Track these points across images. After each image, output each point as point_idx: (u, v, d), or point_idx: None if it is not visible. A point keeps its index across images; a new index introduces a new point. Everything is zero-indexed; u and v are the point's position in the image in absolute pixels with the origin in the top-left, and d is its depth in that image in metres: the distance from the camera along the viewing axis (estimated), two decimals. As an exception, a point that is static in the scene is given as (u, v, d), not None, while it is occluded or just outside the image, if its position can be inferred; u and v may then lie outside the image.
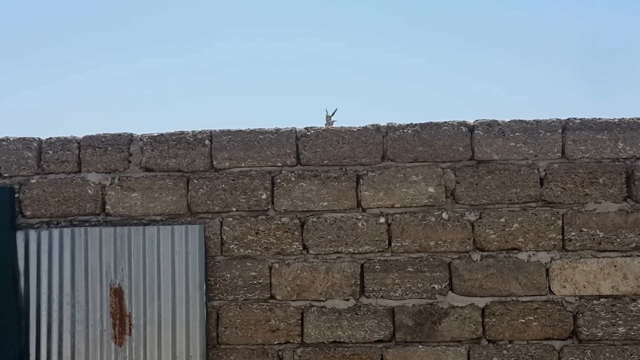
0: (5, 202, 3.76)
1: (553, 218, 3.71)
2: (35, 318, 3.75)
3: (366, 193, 3.79)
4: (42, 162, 3.88)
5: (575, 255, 3.70)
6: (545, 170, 3.74)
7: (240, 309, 3.79)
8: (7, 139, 3.90)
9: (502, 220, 3.73)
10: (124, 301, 3.76)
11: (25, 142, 3.89)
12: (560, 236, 3.71)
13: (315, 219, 3.79)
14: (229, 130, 3.85)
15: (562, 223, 3.71)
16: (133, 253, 3.77)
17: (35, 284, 3.76)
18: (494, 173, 3.74)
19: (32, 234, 3.78)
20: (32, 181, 3.86)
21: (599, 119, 3.74)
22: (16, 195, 3.84)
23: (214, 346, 3.78)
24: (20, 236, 3.78)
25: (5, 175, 3.87)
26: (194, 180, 3.83)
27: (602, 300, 3.68)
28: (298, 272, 3.79)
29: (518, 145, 3.74)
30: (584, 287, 3.69)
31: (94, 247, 3.77)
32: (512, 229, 3.72)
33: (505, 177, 3.74)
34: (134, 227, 3.78)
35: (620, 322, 3.66)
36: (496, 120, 3.76)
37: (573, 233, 3.70)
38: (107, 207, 3.85)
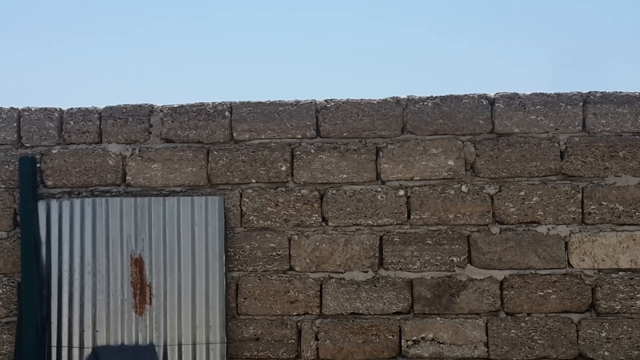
0: (28, 172, 3.79)
1: (573, 191, 3.71)
2: (57, 287, 3.78)
3: (385, 166, 3.79)
4: (63, 133, 3.90)
5: (595, 228, 3.70)
6: (565, 143, 3.73)
7: (259, 280, 3.82)
8: (28, 109, 3.91)
9: (522, 193, 3.73)
10: (145, 271, 3.78)
11: (47, 112, 3.91)
12: (580, 209, 3.71)
13: (334, 191, 3.81)
14: (248, 102, 3.86)
15: (582, 196, 3.71)
16: (153, 224, 3.79)
17: (56, 253, 3.79)
18: (514, 146, 3.74)
19: (54, 204, 3.81)
20: (54, 151, 3.88)
21: (620, 92, 3.73)
22: (38, 165, 3.87)
23: (233, 316, 3.81)
24: (42, 206, 3.81)
25: (27, 145, 3.89)
26: (214, 152, 3.85)
27: (620, 273, 3.69)
28: (317, 244, 3.80)
29: (539, 118, 3.74)
30: (603, 260, 3.69)
31: (114, 218, 3.79)
32: (531, 202, 3.72)
33: (525, 150, 3.74)
34: (154, 197, 3.80)
35: (638, 295, 3.66)
36: (517, 93, 3.75)
37: (592, 206, 3.70)
38: (127, 178, 3.87)
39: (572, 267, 3.71)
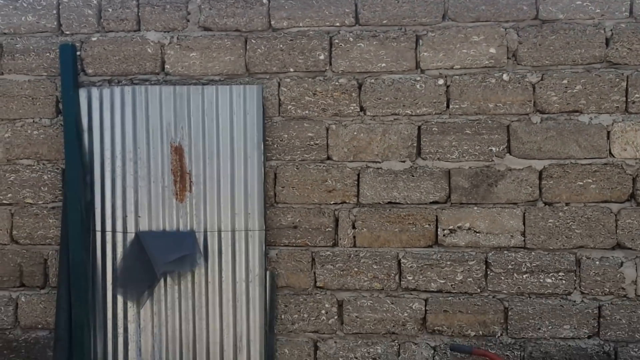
0: (68, 59, 3.82)
1: (617, 80, 3.63)
2: (100, 173, 3.85)
3: (425, 54, 3.74)
4: (102, 20, 3.90)
5: (638, 117, 3.63)
6: (611, 30, 3.63)
7: (297, 169, 3.85)
8: (67, -3, 3.91)
9: (565, 81, 3.66)
10: (184, 159, 3.83)
11: None
12: (624, 98, 3.63)
13: (373, 81, 3.77)
14: (287, -11, 3.80)
15: (627, 85, 3.63)
16: (192, 112, 3.81)
17: (98, 140, 3.85)
18: (558, 33, 3.65)
19: (94, 92, 3.85)
20: (93, 39, 3.89)
21: (672, -24, 3.59)
22: (78, 53, 3.89)
23: (271, 204, 3.86)
24: (83, 93, 3.85)
25: (67, 32, 3.90)
26: (252, 40, 3.82)
27: (663, 163, 3.63)
28: (355, 133, 3.80)
29: (584, 4, 3.62)
30: (646, 150, 3.64)
31: (154, 106, 3.82)
32: (574, 90, 3.65)
33: (569, 37, 3.64)
34: (193, 86, 3.81)
35: (681, 186, 3.62)
36: (563, -23, 3.63)
37: (637, 95, 3.62)
38: (166, 66, 3.88)
39: (614, 156, 3.66)
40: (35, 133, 3.94)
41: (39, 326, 3.98)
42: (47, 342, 3.96)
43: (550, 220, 3.70)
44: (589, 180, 3.67)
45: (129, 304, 3.84)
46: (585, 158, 3.67)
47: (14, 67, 3.94)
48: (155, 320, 3.84)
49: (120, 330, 3.85)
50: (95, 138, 3.85)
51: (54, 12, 3.90)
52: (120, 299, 3.85)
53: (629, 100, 3.63)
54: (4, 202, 3.98)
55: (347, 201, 3.83)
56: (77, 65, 3.88)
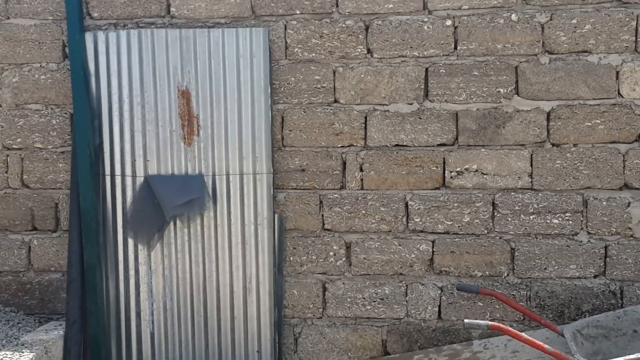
0: (74, 3, 3.79)
1: (627, 19, 3.59)
2: (108, 117, 3.87)
3: (433, -6, 3.70)
4: (106, -37, 3.87)
5: (648, 57, 3.60)
6: (622, -33, 3.57)
7: (304, 112, 3.85)
8: (71, -61, 3.87)
9: (574, 21, 3.62)
10: (191, 103, 3.84)
11: (90, -58, 3.87)
12: (634, 38, 3.60)
13: (379, 22, 3.74)
14: None
15: (636, 24, 3.59)
16: (199, 55, 3.80)
17: (105, 84, 3.85)
18: (568, -29, 3.60)
19: (101, 36, 3.83)
20: (98, -18, 3.87)
21: None
22: (83, -4, 3.87)
23: (279, 148, 3.87)
24: (89, 37, 3.84)
25: (72, -25, 3.88)
26: (258, -18, 3.79)
27: (672, 103, 3.61)
28: (362, 76, 3.79)
29: (595, -60, 3.56)
30: (655, 90, 3.61)
31: (160, 49, 3.81)
32: (583, 30, 3.62)
33: (579, -25, 3.59)
34: (199, 29, 3.79)
35: (690, 125, 3.60)
36: None
37: (648, 34, 3.59)
38: (171, 9, 3.85)
39: (622, 97, 3.64)
40: (42, 78, 3.95)
41: (52, 269, 4.05)
42: (60, 284, 4.03)
43: (558, 162, 3.70)
44: (597, 121, 3.66)
45: (140, 247, 3.90)
46: (594, 99, 3.65)
47: (20, 11, 3.93)
48: (166, 262, 3.90)
49: (132, 273, 3.91)
50: (102, 82, 3.86)
51: (58, -46, 3.87)
52: (130, 242, 3.90)
53: (638, 39, 3.59)
54: (14, 146, 4.01)
55: (355, 144, 3.84)
56: (82, 9, 3.86)
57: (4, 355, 3.41)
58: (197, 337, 3.91)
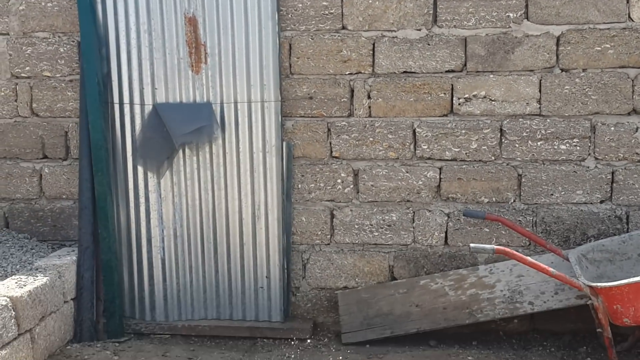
0: None
1: (641, -60, 3.52)
2: (115, 46, 3.86)
3: None
4: None
5: (661, -21, 3.55)
6: None
7: (312, 39, 3.83)
8: None
9: (586, -58, 3.56)
10: (199, 30, 3.82)
11: None
12: (647, -41, 3.54)
13: (388, -54, 3.69)
14: None
15: (650, -55, 3.53)
16: (205, -19, 3.77)
17: (112, 12, 3.83)
18: None
19: (106, -39, 3.80)
20: None
21: None
22: None
23: (286, 76, 3.87)
24: (94, -37, 3.81)
25: None
26: None
27: (684, 26, 3.57)
28: (370, 1, 3.75)
29: None
30: (667, 13, 3.57)
31: (166, -25, 3.78)
32: (595, -49, 3.56)
33: None
34: (205, -45, 3.75)
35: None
36: None
37: (661, -45, 3.52)
38: None
39: (633, 20, 3.60)
40: (49, 5, 3.93)
41: (64, 196, 4.10)
42: (72, 212, 4.09)
43: (567, 87, 3.69)
44: (607, 46, 3.63)
45: (149, 175, 3.94)
46: (604, 22, 3.62)
47: (25, -62, 3.90)
48: (176, 190, 3.94)
49: (142, 200, 3.96)
50: (109, 10, 3.83)
51: None
52: (140, 169, 3.94)
53: (651, -40, 3.53)
54: (23, 75, 4.02)
55: (363, 71, 3.83)
56: None
57: (19, 279, 3.49)
58: (207, 263, 3.97)
